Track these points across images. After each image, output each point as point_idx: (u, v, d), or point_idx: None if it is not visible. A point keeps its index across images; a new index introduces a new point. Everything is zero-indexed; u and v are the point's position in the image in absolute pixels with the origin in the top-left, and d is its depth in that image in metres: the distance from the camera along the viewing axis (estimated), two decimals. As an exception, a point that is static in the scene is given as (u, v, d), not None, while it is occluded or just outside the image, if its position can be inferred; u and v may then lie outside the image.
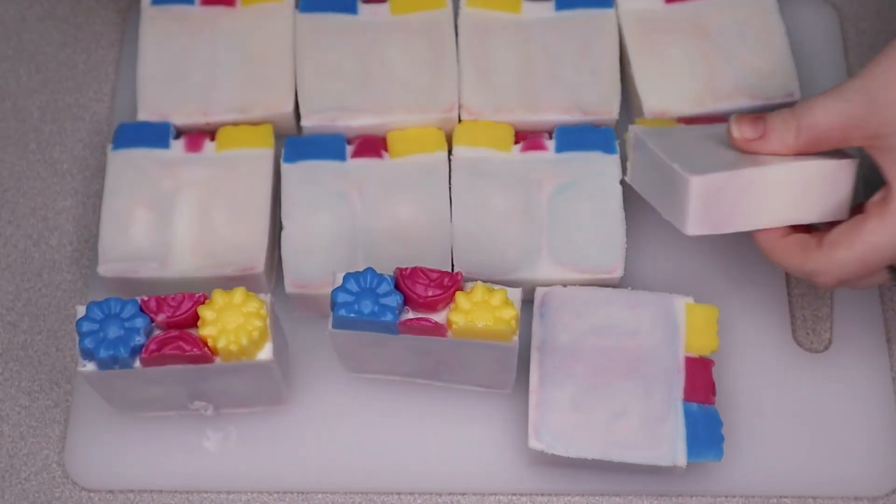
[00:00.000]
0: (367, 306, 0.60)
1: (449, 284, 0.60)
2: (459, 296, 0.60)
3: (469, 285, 0.61)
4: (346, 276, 0.60)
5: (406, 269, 0.60)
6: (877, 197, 0.61)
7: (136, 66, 0.74)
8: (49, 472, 0.69)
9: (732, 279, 0.72)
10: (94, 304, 0.60)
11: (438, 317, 0.60)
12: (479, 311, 0.60)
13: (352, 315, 0.60)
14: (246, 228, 0.69)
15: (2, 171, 0.77)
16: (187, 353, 0.60)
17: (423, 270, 0.60)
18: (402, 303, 0.60)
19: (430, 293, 0.60)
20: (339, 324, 0.61)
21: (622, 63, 0.74)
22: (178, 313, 0.60)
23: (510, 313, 0.60)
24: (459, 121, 0.73)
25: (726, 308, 0.70)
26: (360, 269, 0.64)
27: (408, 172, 0.71)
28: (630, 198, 0.71)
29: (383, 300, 0.60)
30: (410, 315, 0.61)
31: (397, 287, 0.60)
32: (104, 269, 0.68)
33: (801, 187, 0.62)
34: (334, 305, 0.60)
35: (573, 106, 0.72)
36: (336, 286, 0.60)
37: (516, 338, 0.60)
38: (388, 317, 0.60)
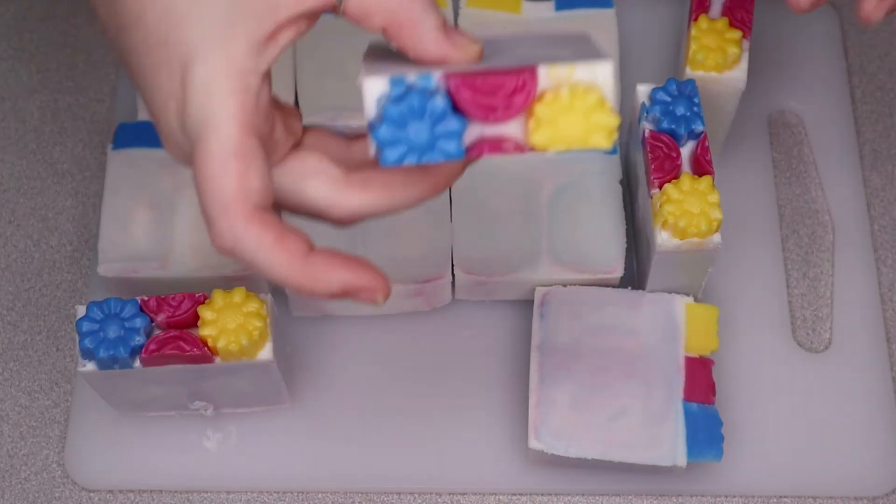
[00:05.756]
0: (420, 134, 0.46)
1: (521, 87, 0.46)
2: (540, 101, 0.46)
3: (547, 80, 0.46)
4: (391, 105, 0.45)
5: (458, 74, 0.46)
6: None
7: (136, 66, 0.74)
8: (49, 472, 0.69)
9: (732, 279, 0.72)
10: (94, 304, 0.60)
11: (512, 129, 0.46)
12: (566, 118, 0.46)
13: (403, 158, 0.46)
14: (246, 228, 0.69)
15: (2, 171, 0.77)
16: (187, 353, 0.60)
17: (481, 74, 0.46)
18: (463, 125, 0.46)
19: (496, 103, 0.46)
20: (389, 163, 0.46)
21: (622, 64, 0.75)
22: (178, 313, 0.60)
23: (607, 119, 0.46)
24: (459, 121, 0.73)
25: (726, 308, 0.70)
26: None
27: (408, 172, 0.71)
28: (630, 198, 0.71)
29: (439, 127, 0.46)
30: (476, 134, 0.46)
31: (454, 103, 0.46)
32: (104, 269, 0.68)
33: None
34: (380, 145, 0.46)
35: (573, 106, 0.72)
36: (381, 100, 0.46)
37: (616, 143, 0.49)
38: (452, 146, 0.46)
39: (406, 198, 0.49)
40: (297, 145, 0.50)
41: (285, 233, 0.46)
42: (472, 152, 0.46)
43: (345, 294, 0.47)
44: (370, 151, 0.46)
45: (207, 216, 0.46)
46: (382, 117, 0.45)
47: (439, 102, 0.45)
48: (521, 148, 0.47)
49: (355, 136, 0.51)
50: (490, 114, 0.46)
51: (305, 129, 0.51)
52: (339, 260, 0.47)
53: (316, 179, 0.48)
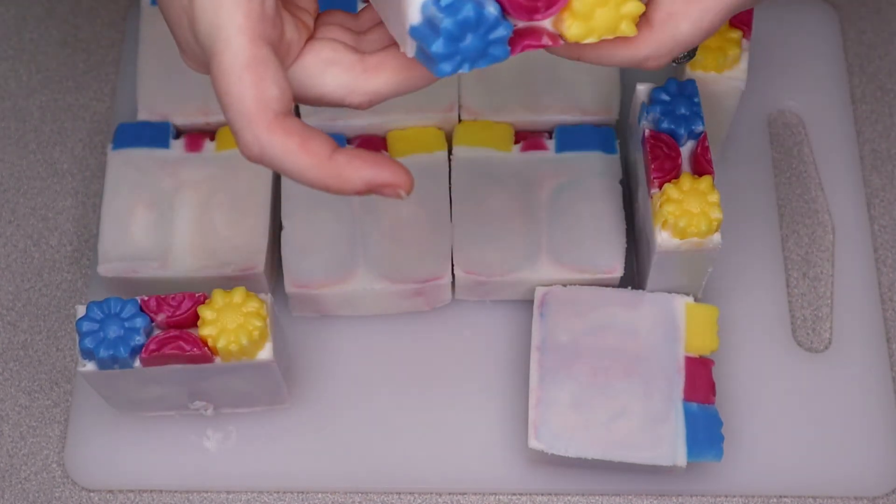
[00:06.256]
0: (473, 44, 0.46)
1: None
2: None
3: None
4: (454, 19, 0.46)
5: None
6: None
7: (136, 66, 0.74)
8: (49, 472, 0.69)
9: (732, 279, 0.72)
10: (94, 304, 0.60)
11: (545, 22, 0.48)
12: (601, 10, 0.47)
13: (458, 68, 0.47)
14: (246, 228, 0.69)
15: (2, 171, 0.77)
16: (187, 353, 0.60)
17: None
18: (510, 29, 0.47)
19: (539, 4, 0.47)
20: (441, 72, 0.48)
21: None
22: (177, 313, 0.60)
23: (634, 7, 0.48)
24: (459, 121, 0.73)
25: (726, 308, 0.70)
26: (360, 271, 0.64)
27: (408, 172, 0.71)
28: (630, 198, 0.71)
29: (493, 34, 0.47)
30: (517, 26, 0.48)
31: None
32: (104, 269, 0.68)
33: None
34: (436, 54, 0.46)
35: (573, 106, 0.72)
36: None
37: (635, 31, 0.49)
38: (499, 51, 0.47)
39: (422, 76, 0.50)
40: (310, 38, 0.51)
41: (308, 136, 0.48)
42: (513, 51, 0.48)
43: (369, 190, 0.49)
44: (408, 52, 0.47)
45: (233, 129, 0.48)
46: (438, 31, 0.45)
47: (492, 11, 0.46)
48: (556, 41, 0.48)
49: (366, 29, 0.52)
50: (534, 14, 0.47)
51: (318, 18, 0.52)
52: (362, 158, 0.48)
53: (333, 69, 0.49)
